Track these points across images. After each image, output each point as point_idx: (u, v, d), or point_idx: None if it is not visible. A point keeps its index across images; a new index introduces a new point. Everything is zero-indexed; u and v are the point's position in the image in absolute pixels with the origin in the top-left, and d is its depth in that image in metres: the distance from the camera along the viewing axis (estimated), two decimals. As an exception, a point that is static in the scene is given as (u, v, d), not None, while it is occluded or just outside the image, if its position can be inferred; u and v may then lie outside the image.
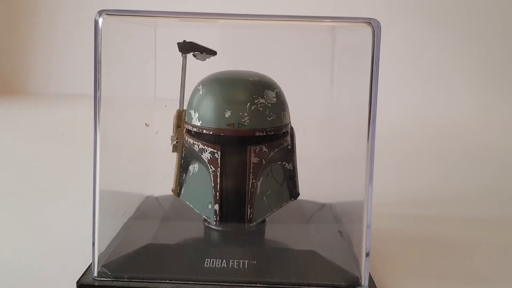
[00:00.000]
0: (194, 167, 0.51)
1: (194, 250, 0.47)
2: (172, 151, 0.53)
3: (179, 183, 0.53)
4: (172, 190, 0.54)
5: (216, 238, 0.51)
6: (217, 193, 0.49)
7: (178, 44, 0.52)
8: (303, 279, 0.43)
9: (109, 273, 0.44)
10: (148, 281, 0.43)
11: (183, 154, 0.52)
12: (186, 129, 0.52)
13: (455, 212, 0.71)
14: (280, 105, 0.50)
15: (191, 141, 0.50)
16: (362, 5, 1.46)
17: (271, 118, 0.49)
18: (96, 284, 0.43)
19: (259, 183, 0.49)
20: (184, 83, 0.53)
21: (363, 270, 0.44)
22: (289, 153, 0.53)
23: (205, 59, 0.53)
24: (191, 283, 0.43)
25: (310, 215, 0.59)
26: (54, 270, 0.49)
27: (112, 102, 0.45)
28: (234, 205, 0.49)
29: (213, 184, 0.49)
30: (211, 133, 0.48)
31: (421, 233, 0.62)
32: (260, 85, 0.50)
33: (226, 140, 0.48)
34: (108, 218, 0.47)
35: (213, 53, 0.53)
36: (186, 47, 0.52)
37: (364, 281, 0.43)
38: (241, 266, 0.45)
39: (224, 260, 0.45)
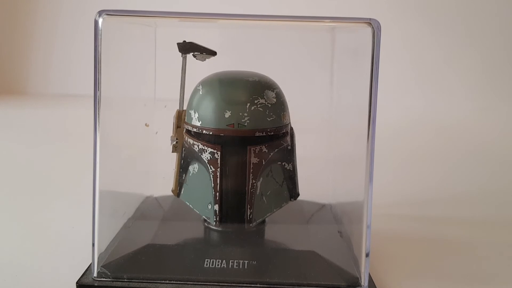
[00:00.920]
0: (194, 168, 0.51)
1: (194, 250, 0.47)
2: (172, 152, 0.53)
3: (179, 183, 0.53)
4: (172, 191, 0.54)
5: (216, 238, 0.51)
6: (217, 194, 0.49)
7: (178, 44, 0.52)
8: (303, 279, 0.43)
9: (109, 274, 0.44)
10: (148, 281, 0.43)
11: (183, 155, 0.52)
12: (186, 129, 0.52)
13: (455, 212, 0.71)
14: (280, 105, 0.50)
15: (191, 141, 0.50)
16: (362, 5, 1.46)
17: (271, 118, 0.49)
18: (96, 284, 0.43)
19: (259, 184, 0.49)
20: (184, 83, 0.53)
21: (363, 270, 0.44)
22: (289, 154, 0.52)
23: (205, 59, 0.53)
24: (191, 284, 0.43)
25: (310, 216, 0.59)
26: (54, 270, 0.49)
27: (112, 102, 0.45)
28: (234, 205, 0.49)
29: (213, 185, 0.49)
30: (211, 133, 0.48)
31: (421, 233, 0.62)
32: (260, 86, 0.50)
33: (226, 140, 0.48)
34: (108, 218, 0.47)
35: (213, 53, 0.53)
36: (186, 47, 0.52)
37: (364, 281, 0.43)
38: (241, 267, 0.45)
39: (224, 261, 0.45)
